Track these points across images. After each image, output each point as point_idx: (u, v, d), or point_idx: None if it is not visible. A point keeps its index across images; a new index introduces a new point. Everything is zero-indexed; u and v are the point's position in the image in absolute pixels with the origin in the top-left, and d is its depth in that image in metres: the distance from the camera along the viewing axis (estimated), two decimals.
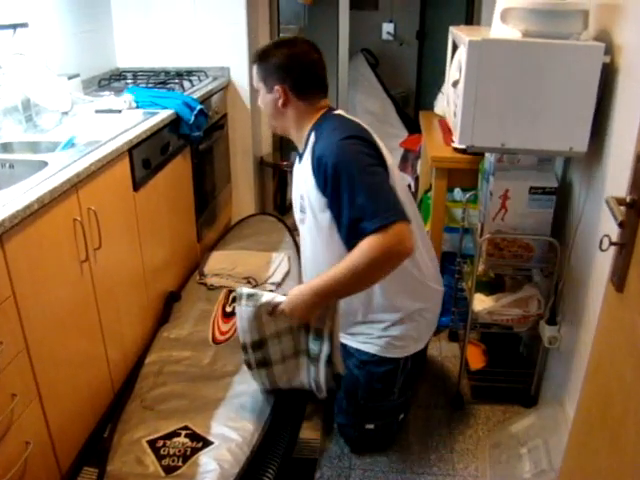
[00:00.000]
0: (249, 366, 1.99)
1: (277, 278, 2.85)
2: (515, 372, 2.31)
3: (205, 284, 2.81)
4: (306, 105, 1.86)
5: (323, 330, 1.80)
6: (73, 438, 1.92)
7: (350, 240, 1.68)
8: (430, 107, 3.16)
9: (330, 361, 1.84)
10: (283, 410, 2.15)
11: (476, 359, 2.43)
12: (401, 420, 2.14)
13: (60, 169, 1.81)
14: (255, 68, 1.89)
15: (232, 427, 1.96)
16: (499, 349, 2.46)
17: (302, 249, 2.06)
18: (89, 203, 1.91)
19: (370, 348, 1.98)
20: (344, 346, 2.03)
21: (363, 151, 1.69)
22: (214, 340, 2.42)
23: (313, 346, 1.86)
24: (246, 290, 1.85)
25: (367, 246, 1.58)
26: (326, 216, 1.79)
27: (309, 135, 1.84)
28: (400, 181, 1.85)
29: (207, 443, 1.90)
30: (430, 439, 2.18)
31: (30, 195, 1.61)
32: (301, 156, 1.89)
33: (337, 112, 1.89)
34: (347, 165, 1.65)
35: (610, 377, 1.13)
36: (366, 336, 1.99)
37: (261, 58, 1.86)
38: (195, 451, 1.87)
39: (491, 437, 2.14)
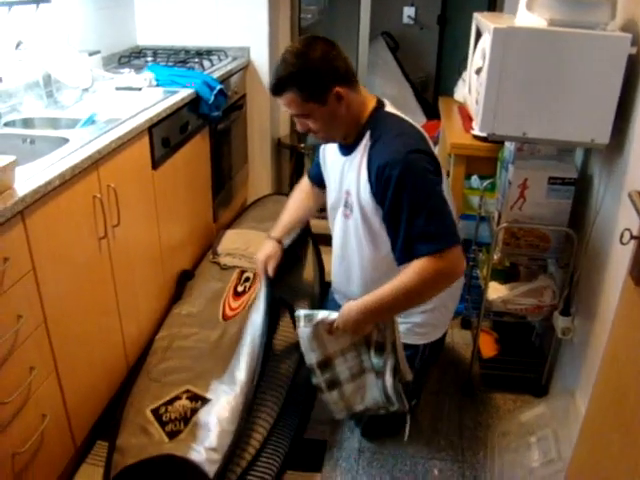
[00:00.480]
0: (321, 390, 1.88)
1: None
2: (527, 361, 2.31)
3: (218, 263, 2.82)
4: (357, 96, 1.73)
5: (385, 344, 1.76)
6: (88, 412, 1.95)
7: (401, 254, 1.66)
8: (450, 93, 3.14)
9: (397, 372, 1.79)
10: (295, 391, 2.17)
11: (488, 347, 2.44)
12: (413, 406, 2.16)
13: (81, 146, 1.83)
14: (291, 95, 1.67)
15: (227, 382, 1.96)
16: (512, 338, 2.46)
17: (338, 241, 1.96)
18: (109, 180, 1.92)
19: None
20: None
21: (429, 169, 1.63)
22: (224, 317, 2.42)
23: (377, 360, 1.80)
24: (303, 312, 1.78)
25: (421, 269, 1.59)
26: (378, 219, 1.74)
27: (363, 132, 1.72)
28: (446, 179, 1.81)
29: (205, 401, 1.92)
30: (440, 425, 2.19)
31: (51, 171, 1.62)
32: (349, 149, 1.78)
33: (390, 109, 1.78)
34: (413, 184, 1.59)
35: (626, 369, 1.14)
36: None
37: (298, 77, 1.65)
38: (194, 412, 1.89)
39: (501, 425, 2.15)
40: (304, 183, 2.18)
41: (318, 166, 2.05)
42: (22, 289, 1.53)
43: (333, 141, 1.85)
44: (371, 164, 1.67)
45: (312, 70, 1.64)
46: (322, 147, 2.00)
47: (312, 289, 2.61)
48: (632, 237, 1.17)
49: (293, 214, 2.15)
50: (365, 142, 1.71)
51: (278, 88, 1.68)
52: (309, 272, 2.70)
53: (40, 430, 1.65)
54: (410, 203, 1.59)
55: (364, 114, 1.74)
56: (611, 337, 1.28)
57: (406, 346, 1.95)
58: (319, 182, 2.07)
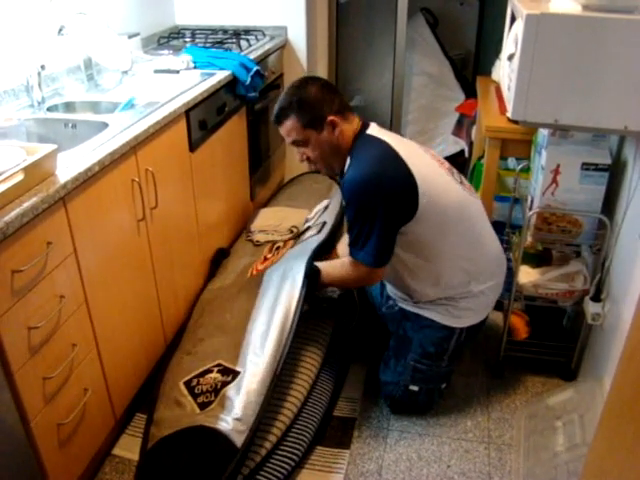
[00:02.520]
0: None
1: (314, 219, 2.92)
2: (557, 345, 2.32)
3: (252, 240, 2.88)
4: (349, 125, 1.96)
5: None
6: (127, 386, 2.04)
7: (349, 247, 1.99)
8: (488, 71, 3.10)
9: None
10: (326, 369, 2.23)
11: (519, 330, 2.45)
12: (443, 389, 2.20)
13: (120, 131, 1.89)
14: (292, 123, 1.92)
15: (256, 353, 2.00)
16: (543, 321, 2.46)
17: None
18: (147, 164, 1.98)
19: (429, 314, 2.06)
20: (402, 310, 2.14)
21: (376, 195, 1.83)
22: (251, 276, 2.48)
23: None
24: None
25: (345, 264, 2.03)
26: None
27: (348, 159, 1.95)
28: (439, 175, 1.96)
29: (236, 374, 1.98)
30: (468, 406, 2.23)
31: (91, 157, 1.69)
32: (342, 177, 1.99)
33: (371, 132, 1.95)
34: (355, 205, 1.88)
35: None
36: (426, 302, 2.07)
37: (298, 107, 1.90)
38: (225, 384, 1.95)
39: (528, 408, 2.18)
40: None
41: None
42: (64, 271, 1.61)
43: (332, 172, 2.07)
44: (343, 183, 1.92)
45: (310, 100, 1.90)
46: None
47: None
48: None
49: None
50: (347, 166, 1.94)
51: (280, 116, 1.94)
52: None
53: (82, 403, 1.74)
54: (351, 216, 1.90)
55: (350, 141, 1.95)
56: (634, 325, 1.29)
57: (443, 327, 2.03)
58: None
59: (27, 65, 2.16)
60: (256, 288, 2.26)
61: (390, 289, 2.25)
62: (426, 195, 1.86)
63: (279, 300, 2.08)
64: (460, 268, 2.00)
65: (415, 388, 2.13)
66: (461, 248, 1.99)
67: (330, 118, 1.90)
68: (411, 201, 1.86)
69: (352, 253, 1.96)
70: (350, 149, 1.94)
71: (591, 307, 2.08)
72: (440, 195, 1.90)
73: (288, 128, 1.94)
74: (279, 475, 1.86)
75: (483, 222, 2.07)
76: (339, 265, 2.10)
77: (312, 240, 2.42)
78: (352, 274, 2.01)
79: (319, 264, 2.15)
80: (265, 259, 2.59)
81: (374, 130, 1.97)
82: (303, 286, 2.06)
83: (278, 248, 2.64)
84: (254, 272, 2.48)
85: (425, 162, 1.95)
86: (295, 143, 1.97)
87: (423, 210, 1.87)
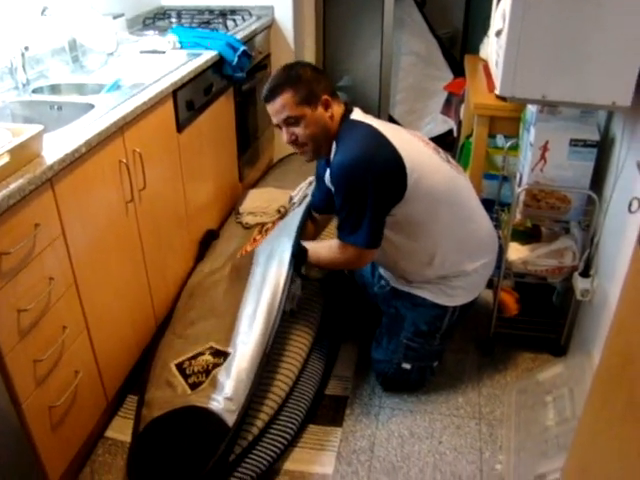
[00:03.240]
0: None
1: (298, 195, 2.97)
2: (547, 321, 2.33)
3: (241, 223, 2.87)
4: (338, 108, 1.96)
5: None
6: (119, 368, 2.04)
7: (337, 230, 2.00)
8: (476, 50, 3.09)
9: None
10: (317, 347, 2.24)
11: (509, 306, 2.46)
12: (435, 367, 2.21)
13: (106, 112, 1.87)
14: (287, 98, 1.87)
15: (245, 332, 2.00)
16: (532, 298, 2.48)
17: None
18: (134, 145, 1.97)
19: (422, 293, 2.07)
20: (394, 289, 2.15)
21: (365, 177, 1.82)
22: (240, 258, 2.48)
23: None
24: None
25: (333, 246, 2.02)
26: None
27: (336, 141, 1.94)
28: (427, 156, 1.97)
29: (227, 355, 1.98)
30: (459, 382, 2.24)
31: (78, 138, 1.67)
32: (328, 161, 2.00)
33: (355, 116, 1.95)
34: (346, 187, 1.87)
35: (632, 335, 1.16)
36: (420, 282, 2.08)
37: (294, 82, 1.88)
38: (216, 366, 1.96)
39: (518, 383, 2.20)
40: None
41: (318, 192, 2.27)
42: (53, 253, 1.60)
43: (318, 155, 2.03)
44: (331, 168, 1.94)
45: (306, 77, 1.89)
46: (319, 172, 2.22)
47: None
48: None
49: None
50: (334, 151, 1.93)
51: (275, 91, 1.89)
52: None
53: (74, 385, 1.74)
54: (341, 199, 1.90)
55: (337, 126, 1.94)
56: (620, 301, 1.30)
57: (436, 306, 2.04)
58: (322, 209, 2.31)
59: (10, 47, 2.13)
60: (245, 270, 2.25)
61: (382, 270, 2.25)
62: (414, 175, 1.86)
63: (267, 279, 2.07)
64: (453, 247, 2.01)
65: (407, 366, 2.14)
66: (452, 227, 1.99)
67: (325, 97, 1.90)
68: (400, 182, 1.86)
69: (341, 236, 1.96)
70: (336, 134, 1.94)
71: (580, 283, 2.09)
72: (428, 175, 1.90)
73: (282, 103, 1.88)
74: (271, 453, 1.87)
75: (473, 200, 2.07)
76: (327, 246, 2.09)
77: (296, 212, 2.38)
78: (341, 257, 2.00)
79: (307, 244, 2.14)
80: (254, 240, 2.58)
81: (358, 115, 1.97)
82: (290, 265, 2.06)
83: (267, 230, 2.63)
84: (243, 253, 2.47)
85: (411, 143, 1.95)
86: (286, 121, 1.91)
87: (412, 190, 1.87)
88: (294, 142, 1.95)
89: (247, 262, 2.26)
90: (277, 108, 1.89)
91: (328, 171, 2.02)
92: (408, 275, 2.09)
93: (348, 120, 1.94)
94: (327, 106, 1.91)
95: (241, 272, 2.26)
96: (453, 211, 1.98)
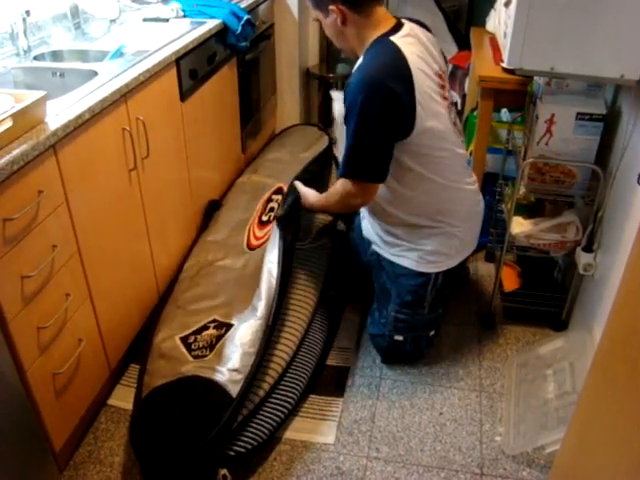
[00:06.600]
0: None
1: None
2: (548, 296, 2.34)
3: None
4: (364, 19, 1.85)
5: None
6: (121, 337, 2.05)
7: (340, 167, 1.95)
8: (482, 23, 3.05)
9: None
10: (318, 318, 2.24)
11: (511, 281, 2.47)
12: (431, 337, 2.22)
13: (110, 79, 1.85)
14: None
15: (250, 309, 2.03)
16: (534, 272, 2.48)
17: None
18: (137, 113, 1.95)
19: (403, 261, 2.06)
20: (378, 259, 2.14)
21: (375, 104, 1.76)
22: (249, 246, 2.47)
23: None
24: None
25: (338, 185, 1.97)
26: None
27: (362, 57, 1.87)
28: (435, 103, 1.87)
29: (229, 327, 2.00)
30: (460, 355, 2.26)
31: (81, 105, 1.66)
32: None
33: (395, 38, 1.82)
34: (356, 113, 1.78)
35: (637, 309, 1.16)
36: (399, 248, 2.06)
37: None
38: (220, 338, 1.97)
39: (519, 357, 2.21)
40: None
41: None
42: (56, 220, 1.60)
43: (353, 56, 1.97)
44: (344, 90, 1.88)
45: None
46: None
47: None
48: None
49: None
50: (354, 68, 1.88)
51: None
52: None
53: (77, 353, 1.75)
54: (350, 127, 1.82)
55: (370, 39, 1.86)
56: (625, 275, 1.30)
57: (418, 274, 2.04)
58: None
59: (11, 12, 2.10)
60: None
61: (365, 227, 2.22)
62: (420, 116, 1.81)
63: (267, 258, 2.12)
64: (435, 199, 1.98)
65: (400, 338, 2.15)
66: (439, 180, 1.95)
67: (332, 7, 1.83)
68: (408, 117, 1.80)
69: (346, 171, 1.90)
70: (367, 48, 1.86)
71: (583, 257, 2.09)
72: (430, 119, 1.85)
73: (308, 3, 1.97)
74: (272, 422, 1.89)
75: (463, 161, 2.04)
76: (331, 189, 2.06)
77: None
78: (343, 190, 1.94)
79: (305, 189, 2.20)
80: (261, 222, 2.57)
81: (398, 36, 1.84)
82: (281, 238, 2.09)
83: (272, 209, 2.62)
84: (252, 240, 2.48)
85: (428, 86, 1.86)
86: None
87: (415, 133, 1.83)
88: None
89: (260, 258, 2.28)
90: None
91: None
92: (387, 218, 2.05)
93: (383, 39, 1.83)
94: (342, 16, 1.84)
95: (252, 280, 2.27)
96: (443, 163, 1.94)
